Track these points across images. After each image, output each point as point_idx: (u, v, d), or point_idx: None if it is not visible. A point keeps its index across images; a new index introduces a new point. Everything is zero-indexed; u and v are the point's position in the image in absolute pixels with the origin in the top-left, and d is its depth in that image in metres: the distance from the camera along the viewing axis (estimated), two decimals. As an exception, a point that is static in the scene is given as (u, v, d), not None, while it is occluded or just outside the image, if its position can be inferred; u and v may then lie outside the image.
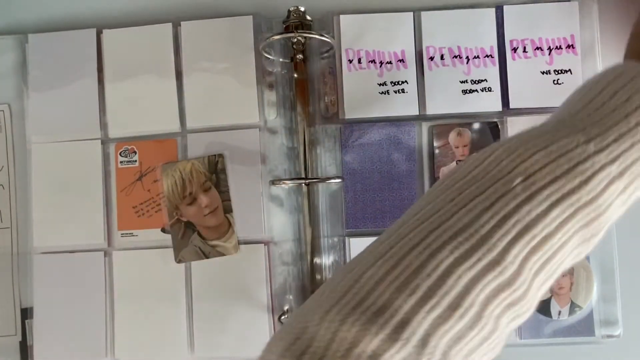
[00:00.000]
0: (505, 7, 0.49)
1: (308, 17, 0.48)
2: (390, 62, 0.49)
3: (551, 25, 0.49)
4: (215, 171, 0.49)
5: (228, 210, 0.49)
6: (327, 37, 0.46)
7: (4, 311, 0.50)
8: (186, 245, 0.49)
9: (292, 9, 0.48)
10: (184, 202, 0.49)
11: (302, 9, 0.48)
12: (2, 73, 0.52)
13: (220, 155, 0.48)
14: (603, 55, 0.49)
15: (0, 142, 0.51)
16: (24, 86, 0.51)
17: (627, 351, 0.48)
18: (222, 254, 0.49)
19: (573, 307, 0.48)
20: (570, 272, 0.48)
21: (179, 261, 0.49)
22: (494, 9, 0.49)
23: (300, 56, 0.49)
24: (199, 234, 0.49)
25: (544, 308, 0.48)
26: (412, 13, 0.49)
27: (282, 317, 0.48)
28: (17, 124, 0.51)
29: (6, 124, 0.51)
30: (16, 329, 0.50)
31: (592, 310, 0.48)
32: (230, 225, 0.49)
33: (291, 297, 0.49)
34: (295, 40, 0.48)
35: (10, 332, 0.50)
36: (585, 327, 0.48)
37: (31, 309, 0.50)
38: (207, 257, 0.49)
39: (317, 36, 0.46)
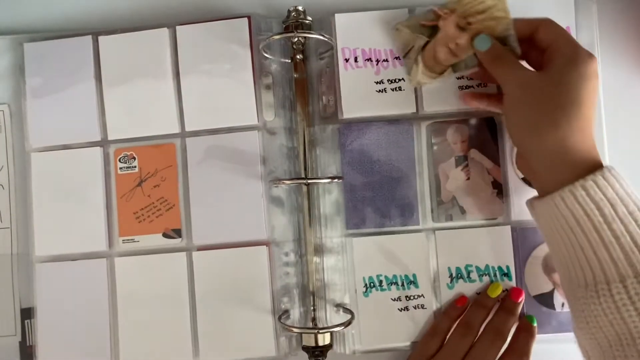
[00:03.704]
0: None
1: (308, 17, 0.48)
2: (386, 60, 0.49)
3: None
4: (506, 39, 0.42)
5: (458, 68, 0.45)
6: (326, 37, 0.46)
7: (4, 311, 0.50)
8: (413, 31, 0.46)
9: (291, 9, 0.48)
10: (459, 19, 0.43)
11: (302, 8, 0.48)
12: (1, 74, 0.52)
13: (517, 48, 0.42)
14: (603, 55, 0.50)
15: (0, 142, 0.52)
16: (22, 88, 0.51)
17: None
18: (408, 72, 0.48)
19: (576, 298, 0.48)
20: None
21: (396, 27, 0.47)
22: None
23: (300, 56, 0.49)
24: (425, 45, 0.46)
25: (547, 300, 0.48)
26: (406, 9, 0.49)
27: (283, 317, 0.48)
28: (17, 125, 0.52)
29: (6, 124, 0.52)
30: (16, 329, 0.50)
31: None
32: (441, 74, 0.45)
33: (292, 298, 0.49)
34: (295, 40, 0.48)
35: (10, 332, 0.50)
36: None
37: (31, 309, 0.50)
38: (404, 56, 0.47)
39: (316, 36, 0.46)
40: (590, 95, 0.39)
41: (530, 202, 0.44)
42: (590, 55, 0.40)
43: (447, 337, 0.47)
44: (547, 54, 0.41)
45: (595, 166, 0.38)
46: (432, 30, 0.46)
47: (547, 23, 0.42)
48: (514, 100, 0.41)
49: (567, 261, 0.39)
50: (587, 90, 0.39)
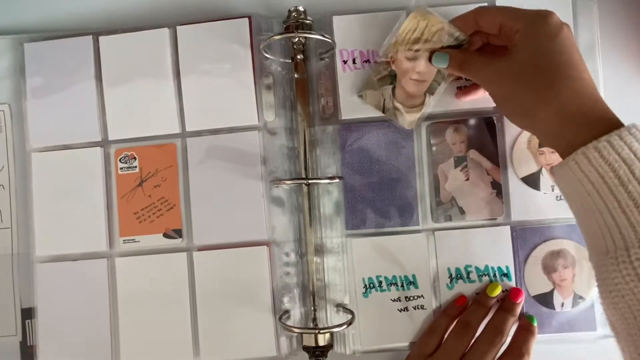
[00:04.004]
0: (497, 2, 0.50)
1: (308, 17, 0.48)
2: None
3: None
4: (457, 48, 0.45)
5: (432, 90, 0.47)
6: (327, 37, 0.46)
7: (5, 311, 0.50)
8: (375, 88, 0.48)
9: (292, 9, 0.48)
10: (407, 53, 0.46)
11: (302, 9, 0.48)
12: (1, 74, 0.52)
13: (469, 42, 0.44)
14: (603, 55, 0.50)
15: (0, 142, 0.52)
16: (22, 88, 0.51)
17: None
18: (397, 120, 0.48)
19: (576, 298, 0.48)
20: (572, 265, 0.48)
21: (359, 95, 0.48)
22: (486, 5, 0.49)
23: (300, 56, 0.49)
24: (393, 90, 0.47)
25: (547, 300, 0.48)
26: (404, 12, 0.49)
27: (283, 317, 0.48)
28: (17, 125, 0.52)
29: (6, 124, 0.52)
30: (17, 329, 0.50)
31: (593, 304, 0.48)
32: (423, 103, 0.47)
33: (293, 298, 0.49)
34: (296, 40, 0.48)
35: (11, 332, 0.50)
36: (586, 322, 0.48)
37: (32, 309, 0.50)
38: (383, 112, 0.47)
39: (317, 36, 0.46)
40: (565, 52, 0.38)
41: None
42: (542, 13, 0.39)
43: (446, 335, 0.47)
44: (503, 35, 0.41)
45: (612, 126, 0.36)
46: (391, 76, 0.47)
47: (481, 12, 0.43)
48: (496, 93, 0.41)
49: (588, 228, 0.38)
50: (558, 50, 0.38)
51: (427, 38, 0.45)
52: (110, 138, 0.51)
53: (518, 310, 0.47)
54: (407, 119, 0.48)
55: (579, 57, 0.39)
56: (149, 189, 0.50)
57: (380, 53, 0.47)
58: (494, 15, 0.42)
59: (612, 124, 0.36)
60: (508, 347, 0.46)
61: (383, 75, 0.47)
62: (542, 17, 0.39)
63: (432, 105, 0.48)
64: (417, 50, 0.46)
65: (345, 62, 0.49)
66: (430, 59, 0.45)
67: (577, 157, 0.36)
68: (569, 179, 0.37)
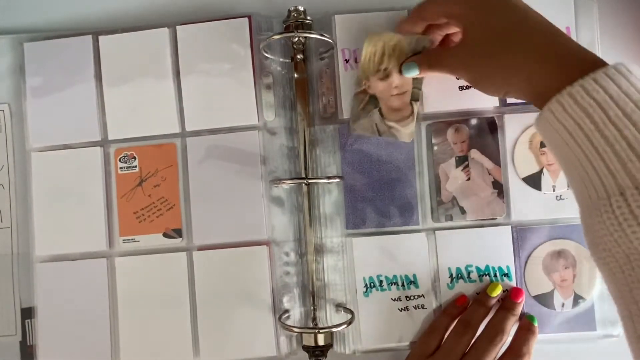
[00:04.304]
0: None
1: (308, 17, 0.48)
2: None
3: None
4: (415, 46, 0.46)
5: (415, 97, 0.47)
6: (327, 37, 0.46)
7: (4, 311, 0.50)
8: (364, 118, 0.48)
9: (292, 8, 0.48)
10: (377, 75, 0.47)
11: (302, 8, 0.48)
12: (1, 74, 0.52)
13: (431, 41, 0.46)
14: (603, 55, 0.49)
15: (0, 142, 0.52)
16: (22, 88, 0.51)
17: (626, 352, 0.48)
18: (396, 137, 0.48)
19: (576, 298, 0.48)
20: (573, 265, 0.48)
21: (352, 130, 0.48)
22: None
23: (300, 56, 0.49)
24: (380, 111, 0.48)
25: (547, 300, 0.48)
26: (406, 11, 0.49)
27: (283, 317, 0.48)
28: (17, 125, 0.52)
29: (6, 124, 0.52)
30: (16, 328, 0.50)
31: (593, 304, 0.48)
32: (412, 112, 0.47)
33: (293, 297, 0.49)
34: (296, 40, 0.48)
35: (11, 332, 0.50)
36: (586, 322, 0.48)
37: (32, 309, 0.50)
38: (380, 135, 0.48)
39: (317, 36, 0.46)
40: (513, 10, 0.37)
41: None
42: None
43: (446, 335, 0.47)
44: (452, 21, 0.41)
45: (589, 68, 0.33)
46: (373, 101, 0.48)
47: (421, 9, 0.43)
48: (468, 77, 0.41)
49: (572, 181, 0.36)
50: (505, 13, 0.38)
51: (389, 54, 0.46)
52: (110, 138, 0.51)
53: (519, 309, 0.47)
54: (404, 132, 0.48)
55: (531, 10, 0.38)
56: (149, 188, 0.50)
57: (354, 86, 0.48)
58: (434, 8, 0.42)
59: (589, 66, 0.33)
60: (509, 347, 0.46)
61: (365, 103, 0.48)
62: None
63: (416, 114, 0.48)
64: (385, 69, 0.46)
65: (347, 61, 0.49)
66: (400, 71, 0.46)
67: (551, 105, 0.34)
68: (547, 130, 0.36)
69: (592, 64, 0.34)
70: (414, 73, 0.45)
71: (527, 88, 0.37)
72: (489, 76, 0.39)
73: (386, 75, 0.47)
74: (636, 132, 0.31)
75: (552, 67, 0.35)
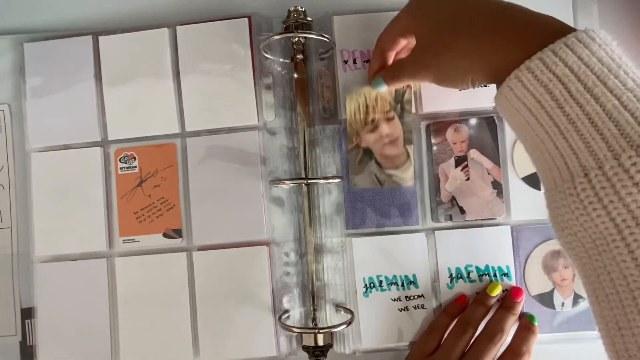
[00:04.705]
0: (499, 2, 0.50)
1: (308, 17, 0.48)
2: (386, 61, 0.49)
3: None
4: (401, 101, 0.49)
5: (408, 142, 0.48)
6: (326, 38, 0.46)
7: (4, 311, 0.50)
8: (362, 171, 0.49)
9: (292, 9, 0.48)
10: (365, 128, 0.49)
11: (302, 9, 0.48)
12: (1, 74, 0.52)
13: (409, 86, 0.48)
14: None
15: (0, 142, 0.52)
16: (22, 88, 0.51)
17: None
18: (398, 184, 0.49)
19: (576, 298, 0.48)
20: (573, 265, 0.48)
21: (354, 185, 0.49)
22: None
23: (300, 56, 0.49)
24: (376, 162, 0.49)
25: (547, 300, 0.48)
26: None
27: (283, 317, 0.48)
28: (17, 125, 0.52)
29: (6, 124, 0.52)
30: (16, 329, 0.50)
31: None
32: (408, 156, 0.48)
33: (292, 298, 0.49)
34: (296, 40, 0.48)
35: (11, 332, 0.50)
36: (586, 321, 0.48)
37: (32, 309, 0.50)
38: (382, 185, 0.48)
39: (317, 36, 0.46)
40: (446, 7, 0.37)
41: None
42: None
43: (446, 334, 0.47)
44: (412, 37, 0.42)
45: (551, 37, 0.31)
46: (368, 153, 0.49)
47: (380, 40, 0.45)
48: (431, 79, 0.40)
49: (536, 162, 0.34)
50: (437, 13, 0.37)
51: (372, 105, 0.48)
52: (110, 138, 0.51)
53: (518, 309, 0.47)
54: (405, 177, 0.49)
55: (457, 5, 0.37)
56: (149, 188, 0.50)
57: (347, 143, 0.49)
58: (388, 36, 0.44)
59: (551, 35, 0.31)
60: (509, 346, 0.46)
61: (361, 157, 0.49)
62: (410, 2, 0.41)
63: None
64: (373, 120, 0.48)
65: (345, 62, 0.49)
66: (388, 121, 0.48)
67: (510, 82, 0.32)
68: (507, 108, 0.33)
69: (554, 33, 0.31)
70: (383, 88, 0.46)
71: (486, 70, 0.35)
72: (449, 68, 0.37)
73: (375, 127, 0.48)
74: (598, 107, 0.29)
75: (504, 41, 0.33)
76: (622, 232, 0.28)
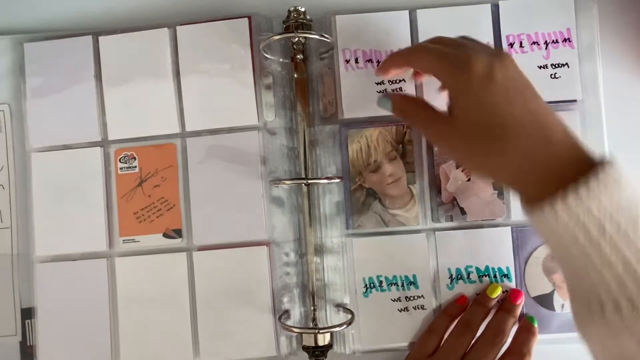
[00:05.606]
0: (500, 2, 0.50)
1: (308, 17, 0.48)
2: (387, 61, 0.49)
3: (547, 19, 0.49)
4: (402, 141, 0.49)
5: (411, 181, 0.49)
6: (327, 37, 0.46)
7: (4, 311, 0.50)
8: (366, 212, 0.49)
9: (292, 9, 0.48)
10: (368, 169, 0.49)
11: (302, 9, 0.48)
12: (1, 74, 0.52)
13: (409, 127, 0.49)
14: (603, 55, 0.50)
15: (0, 142, 0.52)
16: (22, 88, 0.51)
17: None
18: (403, 224, 0.49)
19: (576, 299, 0.48)
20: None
21: (358, 227, 0.49)
22: (489, 5, 0.50)
23: (300, 56, 0.49)
24: (380, 202, 0.49)
25: (547, 301, 0.48)
26: (407, 11, 0.49)
27: (283, 317, 0.48)
28: (17, 125, 0.52)
29: (6, 124, 0.52)
30: (16, 329, 0.50)
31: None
32: (412, 196, 0.49)
33: (292, 298, 0.49)
34: (296, 40, 0.48)
35: (11, 332, 0.50)
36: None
37: (32, 309, 0.50)
38: (387, 225, 0.49)
39: (317, 36, 0.46)
40: (501, 102, 0.34)
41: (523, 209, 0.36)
42: (463, 60, 0.35)
43: (446, 336, 0.47)
44: (438, 79, 0.38)
45: (579, 170, 0.32)
46: (372, 194, 0.49)
47: (413, 56, 0.40)
48: (445, 151, 0.40)
49: (569, 278, 0.34)
50: (493, 102, 0.34)
51: (374, 146, 0.49)
52: (110, 138, 0.51)
53: (518, 311, 0.47)
54: (409, 217, 0.49)
55: (521, 97, 0.35)
56: (149, 189, 0.50)
57: (350, 183, 0.49)
58: (420, 61, 0.40)
59: (581, 167, 0.32)
60: (509, 348, 0.46)
61: (364, 197, 0.49)
62: (462, 66, 0.35)
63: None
64: (375, 161, 0.48)
65: (347, 61, 0.49)
66: (390, 161, 0.48)
67: (546, 212, 0.32)
68: (544, 230, 0.34)
69: (584, 163, 0.32)
70: (387, 107, 0.42)
71: (515, 187, 0.35)
72: (473, 168, 0.38)
73: (377, 167, 0.49)
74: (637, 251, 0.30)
75: (540, 171, 0.33)
76: None
